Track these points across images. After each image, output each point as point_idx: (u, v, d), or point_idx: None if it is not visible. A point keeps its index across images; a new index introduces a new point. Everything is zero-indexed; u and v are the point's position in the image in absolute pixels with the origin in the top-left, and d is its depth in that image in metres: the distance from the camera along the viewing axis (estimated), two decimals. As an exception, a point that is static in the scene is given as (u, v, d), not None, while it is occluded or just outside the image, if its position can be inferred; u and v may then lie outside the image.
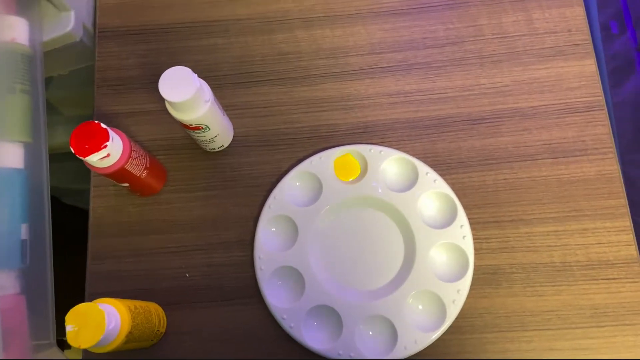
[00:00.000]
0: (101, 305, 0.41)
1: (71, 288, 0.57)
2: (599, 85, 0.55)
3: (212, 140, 0.53)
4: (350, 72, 0.58)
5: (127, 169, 0.47)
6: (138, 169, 0.49)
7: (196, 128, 0.49)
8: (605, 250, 0.50)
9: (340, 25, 0.59)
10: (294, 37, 0.59)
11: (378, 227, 0.53)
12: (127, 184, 0.50)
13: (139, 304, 0.46)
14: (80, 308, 0.40)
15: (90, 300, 0.46)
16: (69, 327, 0.40)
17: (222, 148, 0.56)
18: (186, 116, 0.46)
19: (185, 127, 0.49)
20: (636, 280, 0.49)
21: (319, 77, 0.58)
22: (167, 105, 0.47)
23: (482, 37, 0.57)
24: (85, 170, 0.56)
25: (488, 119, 0.55)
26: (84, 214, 0.59)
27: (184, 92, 0.44)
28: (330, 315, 0.50)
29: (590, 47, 0.56)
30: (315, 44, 0.59)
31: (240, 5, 0.60)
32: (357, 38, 0.59)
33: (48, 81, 0.72)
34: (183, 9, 0.61)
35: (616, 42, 0.82)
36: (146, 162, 0.50)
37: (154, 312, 0.49)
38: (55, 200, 0.98)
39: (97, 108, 0.59)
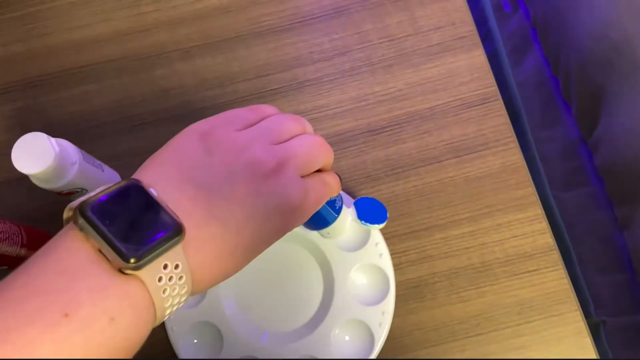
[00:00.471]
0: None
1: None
2: (491, 75, 0.54)
3: (96, 200, 0.48)
4: (240, 100, 0.54)
5: (-4, 253, 0.42)
6: (12, 249, 0.44)
7: (70, 193, 0.44)
8: (521, 243, 0.50)
9: (221, 52, 0.56)
10: (174, 71, 0.55)
11: (292, 261, 0.50)
12: (5, 267, 0.45)
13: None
14: None
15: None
16: None
17: (112, 204, 0.51)
18: (52, 185, 0.42)
19: (58, 194, 0.44)
20: (556, 268, 0.49)
21: (206, 110, 0.54)
22: (30, 177, 0.42)
23: (369, 43, 0.55)
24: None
25: (388, 127, 0.53)
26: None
27: (41, 161, 0.39)
28: (255, 366, 0.47)
29: (476, 38, 0.55)
30: (198, 76, 0.55)
31: (110, 45, 0.56)
32: (241, 63, 0.55)
33: None
34: (47, 58, 0.56)
35: (510, 21, 0.83)
36: (21, 239, 0.45)
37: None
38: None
39: (-34, 182, 0.53)
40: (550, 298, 0.48)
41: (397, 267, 0.49)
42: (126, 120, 0.54)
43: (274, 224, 0.29)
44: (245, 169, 0.28)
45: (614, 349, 0.66)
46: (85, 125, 0.54)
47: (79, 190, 0.44)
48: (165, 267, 0.24)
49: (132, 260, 0.23)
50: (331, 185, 0.34)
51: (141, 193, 0.25)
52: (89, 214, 0.24)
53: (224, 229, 0.26)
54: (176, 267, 0.25)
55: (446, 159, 0.52)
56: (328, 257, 0.49)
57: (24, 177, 0.52)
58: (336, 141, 0.53)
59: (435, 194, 0.51)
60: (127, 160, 0.53)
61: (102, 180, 0.48)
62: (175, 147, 0.29)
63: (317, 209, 0.32)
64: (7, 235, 0.43)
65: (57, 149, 0.40)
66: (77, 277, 0.23)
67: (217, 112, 0.55)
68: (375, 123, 0.53)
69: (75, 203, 0.25)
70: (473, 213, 0.50)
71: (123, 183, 0.26)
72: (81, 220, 0.24)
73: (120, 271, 0.24)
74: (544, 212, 0.50)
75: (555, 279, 0.48)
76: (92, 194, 0.25)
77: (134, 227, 0.24)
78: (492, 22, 0.83)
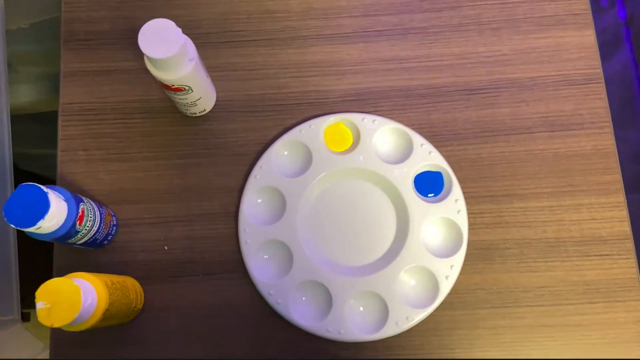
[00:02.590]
0: (76, 280, 0.37)
1: (38, 261, 0.53)
2: (598, 57, 0.54)
3: (193, 104, 0.48)
4: (343, 35, 0.54)
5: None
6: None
7: (178, 89, 0.44)
8: (598, 227, 0.50)
9: (332, -16, 0.55)
10: (283, -6, 0.55)
11: (370, 200, 0.50)
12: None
13: (115, 278, 0.43)
14: (53, 284, 0.36)
15: (59, 274, 0.42)
16: (39, 304, 0.36)
17: (203, 113, 0.52)
18: (168, 75, 0.42)
19: (165, 87, 0.44)
20: (628, 257, 0.49)
21: (309, 39, 0.54)
22: (147, 63, 0.42)
23: (481, 2, 0.55)
24: (50, 134, 0.51)
25: (485, 89, 0.53)
26: (43, 181, 0.54)
27: (167, 48, 0.40)
28: (319, 291, 0.48)
29: (589, 18, 0.54)
30: (305, 3, 0.55)
31: (223, -43, 0.55)
32: (350, -2, 0.55)
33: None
34: (160, -42, 0.55)
35: (605, 16, 0.81)
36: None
37: (131, 287, 0.45)
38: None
39: (65, 65, 0.53)
40: (617, 284, 0.48)
41: (471, 226, 0.50)
42: (229, 35, 0.54)
43: None
44: None
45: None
46: (187, 31, 0.53)
47: (187, 87, 0.44)
48: None
49: None
50: None
51: None
52: None
53: None
54: None
55: (538, 132, 0.52)
56: (407, 204, 0.49)
57: (119, 70, 0.53)
58: (431, 93, 0.53)
59: (522, 163, 0.51)
60: (224, 73, 0.53)
61: (207, 86, 0.48)
62: None
63: None
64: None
65: (182, 39, 0.40)
66: None
67: (318, 44, 0.55)
68: (473, 83, 0.53)
69: None
70: (556, 189, 0.50)
71: None
72: None
73: None
74: (626, 201, 0.50)
75: (625, 267, 0.49)
76: None
77: None
78: (587, 13, 0.81)
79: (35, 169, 0.82)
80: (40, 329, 0.66)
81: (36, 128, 0.75)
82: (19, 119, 0.71)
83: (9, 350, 0.48)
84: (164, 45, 0.39)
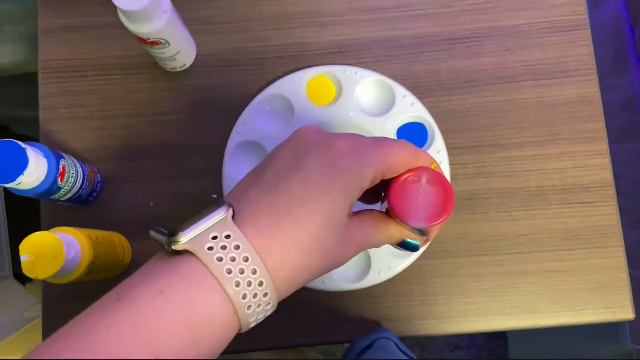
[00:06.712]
0: (59, 234, 0.38)
1: (30, 221, 0.54)
2: (584, 3, 0.52)
3: (172, 58, 0.48)
4: (324, -15, 0.53)
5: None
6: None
7: (154, 43, 0.44)
8: (581, 174, 0.50)
9: None
10: (262, -57, 0.54)
11: (353, 153, 0.50)
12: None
13: (100, 233, 0.43)
14: (36, 237, 0.37)
15: (46, 230, 0.43)
16: (23, 257, 0.37)
17: (184, 67, 0.51)
18: (142, 28, 0.42)
19: (142, 41, 0.44)
20: (610, 203, 0.49)
21: (290, -11, 0.53)
22: (121, 15, 0.42)
23: (466, -52, 0.53)
24: (36, 96, 0.51)
25: (469, 38, 0.52)
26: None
27: (139, -1, 0.39)
28: (304, 243, 0.48)
29: (577, -39, 0.53)
30: (284, -47, 0.53)
31: None
32: (331, -54, 0.54)
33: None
34: None
35: (599, -38, 0.79)
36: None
37: (118, 242, 0.46)
38: (3, 129, 0.92)
39: (43, 21, 0.53)
40: (598, 230, 0.49)
41: (453, 177, 0.50)
42: (207, -14, 0.53)
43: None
44: (313, 149, 0.28)
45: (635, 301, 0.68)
46: (165, -16, 0.53)
47: (163, 41, 0.44)
48: (214, 238, 0.25)
49: (175, 236, 0.25)
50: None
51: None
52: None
53: (288, 197, 0.27)
54: (227, 236, 0.25)
55: (523, 80, 0.51)
56: (389, 155, 0.49)
57: (99, 25, 0.52)
58: (414, 44, 0.52)
59: (505, 113, 0.51)
60: (203, 27, 0.52)
61: (185, 40, 0.48)
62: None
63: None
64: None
65: (154, -10, 0.39)
66: (141, 275, 0.26)
67: (300, -6, 0.53)
68: (457, 32, 0.52)
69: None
70: (539, 138, 0.50)
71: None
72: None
73: (176, 253, 0.25)
74: (609, 148, 0.50)
75: (606, 214, 0.49)
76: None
77: (190, 219, 0.26)
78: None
79: (30, 132, 0.82)
80: (33, 285, 0.67)
81: (23, 89, 0.74)
82: (3, 81, 0.71)
83: (1, 304, 0.50)
84: (135, -4, 0.39)
